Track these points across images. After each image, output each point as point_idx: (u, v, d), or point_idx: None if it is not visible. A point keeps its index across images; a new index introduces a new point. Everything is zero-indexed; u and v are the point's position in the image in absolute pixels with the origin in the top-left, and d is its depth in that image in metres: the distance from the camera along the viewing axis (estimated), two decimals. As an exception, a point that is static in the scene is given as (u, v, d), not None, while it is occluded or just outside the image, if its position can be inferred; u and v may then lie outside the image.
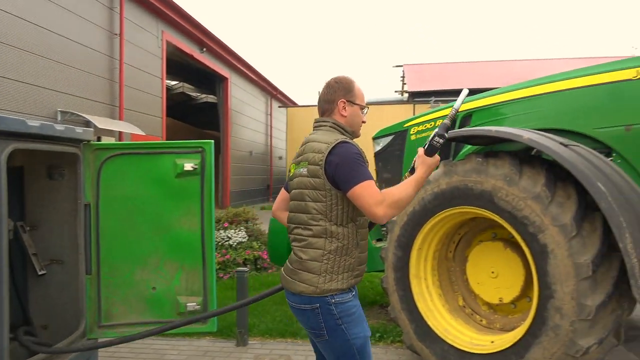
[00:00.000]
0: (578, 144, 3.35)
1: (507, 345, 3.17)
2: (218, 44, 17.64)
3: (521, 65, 22.96)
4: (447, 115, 2.36)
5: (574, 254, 2.86)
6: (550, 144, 3.06)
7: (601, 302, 2.81)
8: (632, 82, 3.79)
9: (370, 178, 1.98)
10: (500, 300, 3.52)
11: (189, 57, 16.41)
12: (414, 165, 2.15)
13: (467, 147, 4.36)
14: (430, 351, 3.56)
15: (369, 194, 1.93)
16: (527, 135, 3.17)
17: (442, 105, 4.94)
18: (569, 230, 2.88)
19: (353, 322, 2.03)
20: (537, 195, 3.02)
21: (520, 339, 3.11)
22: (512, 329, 3.47)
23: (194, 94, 25.90)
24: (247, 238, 7.08)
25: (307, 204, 2.06)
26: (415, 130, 4.72)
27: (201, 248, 3.61)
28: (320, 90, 2.30)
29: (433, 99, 18.10)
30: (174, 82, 22.82)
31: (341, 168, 1.97)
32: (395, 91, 26.55)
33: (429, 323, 3.60)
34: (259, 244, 7.07)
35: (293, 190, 2.16)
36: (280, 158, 26.60)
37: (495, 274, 3.55)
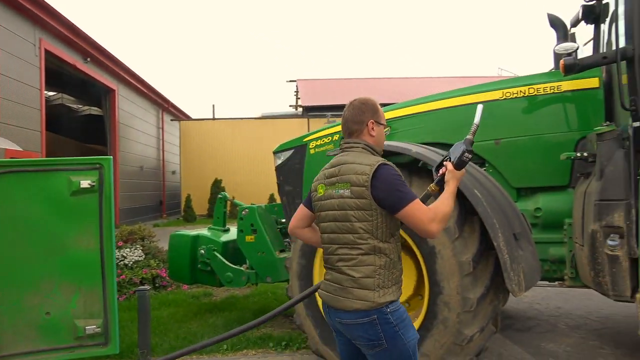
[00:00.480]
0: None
1: (404, 341, 3.46)
2: (104, 54, 16.74)
3: (407, 83, 24.67)
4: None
5: (458, 253, 3.23)
6: (433, 156, 3.42)
7: (481, 295, 3.20)
8: (499, 102, 4.37)
9: (416, 196, 2.09)
10: (396, 300, 3.82)
11: (71, 67, 15.36)
12: (439, 178, 2.29)
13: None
14: (335, 354, 3.75)
15: (422, 213, 2.03)
16: (415, 149, 3.52)
17: (339, 121, 5.23)
18: (453, 232, 3.24)
19: (406, 327, 2.11)
20: (425, 202, 3.36)
21: (415, 334, 3.41)
22: (408, 326, 3.79)
23: (74, 106, 24.18)
24: (144, 256, 6.82)
25: (353, 224, 2.10)
26: (314, 145, 4.95)
27: (100, 268, 3.48)
28: (346, 111, 2.31)
29: (329, 114, 18.76)
30: (51, 93, 21.15)
31: (388, 190, 2.04)
32: (290, 105, 27.10)
33: (333, 327, 3.80)
34: (157, 262, 6.85)
35: (330, 212, 2.18)
36: (174, 173, 25.72)
37: (391, 276, 3.85)
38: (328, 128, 5.02)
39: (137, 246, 6.96)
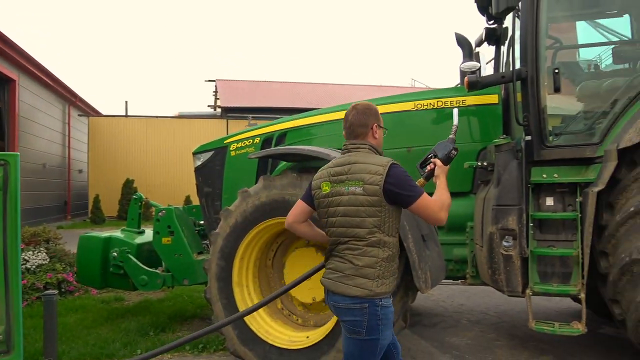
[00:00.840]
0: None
1: (320, 338, 3.60)
2: (3, 41, 15.43)
3: (326, 88, 25.15)
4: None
5: (372, 253, 3.42)
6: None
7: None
8: (411, 112, 4.66)
9: (423, 191, 2.40)
10: (314, 300, 3.95)
11: (-37, 54, 14.00)
12: (428, 173, 2.75)
13: (283, 163, 4.78)
14: (253, 354, 3.81)
15: (432, 203, 2.37)
16: (333, 154, 3.67)
17: (260, 124, 5.30)
18: (368, 234, 3.43)
19: (387, 325, 2.35)
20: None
21: (330, 331, 3.57)
22: (324, 324, 3.94)
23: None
24: (48, 260, 6.41)
25: (363, 219, 2.31)
26: (235, 147, 4.98)
27: (3, 272, 3.28)
28: (350, 114, 2.53)
29: (250, 117, 18.70)
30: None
31: (401, 187, 2.31)
32: (208, 106, 26.57)
33: (252, 327, 3.85)
34: (64, 266, 6.47)
35: (340, 207, 2.36)
36: (81, 171, 24.19)
37: (309, 277, 3.98)
38: (249, 131, 5.07)
39: (41, 249, 6.53)
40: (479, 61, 5.30)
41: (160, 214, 5.00)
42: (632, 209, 3.28)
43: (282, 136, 4.87)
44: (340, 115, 4.88)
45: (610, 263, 3.44)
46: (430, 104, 4.63)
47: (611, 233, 3.42)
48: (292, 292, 4.03)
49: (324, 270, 2.59)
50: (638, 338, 3.36)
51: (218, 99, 25.20)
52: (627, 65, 4.26)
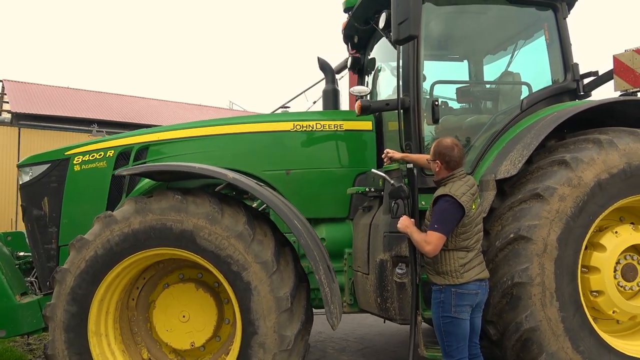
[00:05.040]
0: (263, 184, 3.63)
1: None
2: None
3: (140, 102, 23.41)
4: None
5: (275, 288, 3.03)
6: (252, 184, 3.19)
7: (298, 331, 3.06)
8: (290, 133, 4.42)
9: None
10: (192, 345, 3.35)
11: None
12: None
13: (145, 182, 4.05)
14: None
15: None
16: (231, 174, 3.21)
17: (112, 135, 4.44)
18: (270, 266, 3.04)
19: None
20: (240, 233, 3.07)
21: (221, 381, 3.04)
22: (204, 373, 3.36)
23: None
24: None
25: None
26: (80, 160, 4.05)
27: None
28: (457, 148, 3.23)
29: (95, 126, 16.33)
30: None
31: None
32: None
33: (114, 388, 3.07)
34: None
35: (480, 224, 3.24)
36: None
37: (187, 318, 3.37)
38: (99, 142, 4.21)
39: None
40: (338, 86, 5.38)
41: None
42: (511, 235, 3.54)
43: (142, 150, 4.14)
44: (211, 131, 4.45)
45: (490, 287, 3.65)
46: (309, 125, 4.45)
47: (490, 258, 3.64)
48: (165, 337, 3.38)
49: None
50: (514, 356, 3.60)
51: (6, 102, 21.40)
52: (489, 104, 4.72)
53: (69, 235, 3.97)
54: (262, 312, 3.00)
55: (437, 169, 3.18)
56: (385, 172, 3.96)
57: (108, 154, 4.08)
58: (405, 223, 3.17)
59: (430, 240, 2.98)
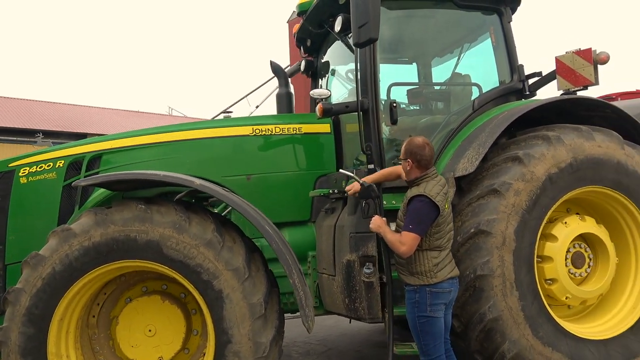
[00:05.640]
0: (229, 190, 3.56)
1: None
2: None
3: (75, 110, 22.35)
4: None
5: (248, 295, 2.98)
6: (220, 190, 3.13)
7: (272, 337, 3.02)
8: (249, 137, 4.37)
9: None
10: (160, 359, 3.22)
11: None
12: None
13: (98, 193, 3.87)
14: None
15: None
16: (198, 181, 3.12)
17: (59, 145, 4.20)
18: (242, 273, 2.99)
19: None
20: (209, 241, 3.00)
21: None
22: (174, 388, 3.25)
23: None
24: None
25: None
26: (27, 172, 3.80)
27: None
28: (428, 147, 3.28)
29: (40, 136, 15.30)
30: None
31: None
32: None
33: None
34: None
35: (450, 223, 3.27)
36: None
37: (153, 332, 3.24)
38: (46, 152, 3.97)
39: None
40: (291, 89, 5.39)
41: None
42: (472, 230, 3.67)
43: (95, 159, 3.96)
44: (167, 137, 4.32)
45: (453, 281, 3.77)
46: (268, 129, 4.42)
47: (453, 253, 3.75)
48: (130, 354, 3.24)
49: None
50: (478, 346, 3.74)
51: None
52: (440, 105, 4.88)
53: (17, 252, 3.74)
54: (235, 320, 2.94)
55: (408, 168, 3.22)
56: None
57: (57, 164, 3.86)
58: (377, 223, 3.19)
59: (405, 241, 3.01)
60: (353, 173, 3.48)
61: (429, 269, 3.06)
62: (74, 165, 3.91)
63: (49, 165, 3.85)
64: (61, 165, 3.86)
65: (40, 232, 3.78)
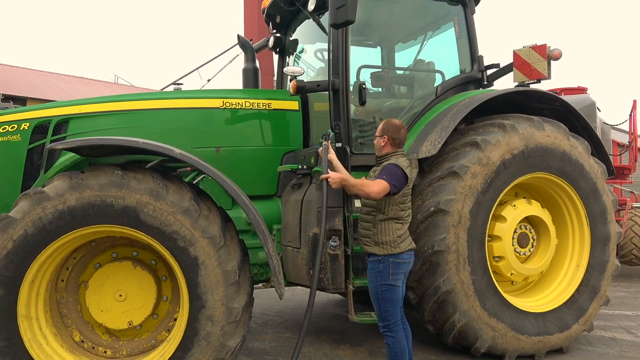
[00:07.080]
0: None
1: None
2: None
3: (14, 72, 21.03)
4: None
5: (222, 262, 3.08)
6: (200, 160, 3.18)
7: (245, 303, 3.15)
8: (219, 110, 4.40)
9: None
10: (130, 324, 3.27)
11: None
12: None
13: (65, 158, 3.81)
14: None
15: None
16: (177, 150, 3.15)
17: (23, 107, 4.06)
18: (218, 241, 3.08)
19: None
20: (187, 209, 3.06)
21: (170, 358, 3.03)
22: (142, 352, 3.32)
23: None
24: None
25: None
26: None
27: None
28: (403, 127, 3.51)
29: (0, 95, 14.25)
30: None
31: None
32: None
33: (48, 372, 2.92)
34: None
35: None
36: None
37: (124, 297, 3.28)
38: (9, 113, 3.85)
39: None
40: (257, 65, 5.42)
41: None
42: (432, 208, 3.93)
43: (62, 123, 3.89)
44: (137, 105, 4.31)
45: (412, 256, 4.03)
46: (238, 103, 4.47)
47: (412, 230, 3.99)
48: (100, 317, 3.27)
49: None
50: (431, 316, 4.03)
51: None
52: (403, 89, 5.08)
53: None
54: (210, 286, 3.03)
55: (382, 144, 3.42)
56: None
57: (22, 126, 3.76)
58: (336, 175, 3.33)
59: (375, 184, 3.18)
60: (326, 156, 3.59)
61: (392, 239, 3.27)
62: (40, 128, 3.82)
63: (13, 127, 3.74)
64: (26, 127, 3.76)
65: (3, 195, 3.70)
